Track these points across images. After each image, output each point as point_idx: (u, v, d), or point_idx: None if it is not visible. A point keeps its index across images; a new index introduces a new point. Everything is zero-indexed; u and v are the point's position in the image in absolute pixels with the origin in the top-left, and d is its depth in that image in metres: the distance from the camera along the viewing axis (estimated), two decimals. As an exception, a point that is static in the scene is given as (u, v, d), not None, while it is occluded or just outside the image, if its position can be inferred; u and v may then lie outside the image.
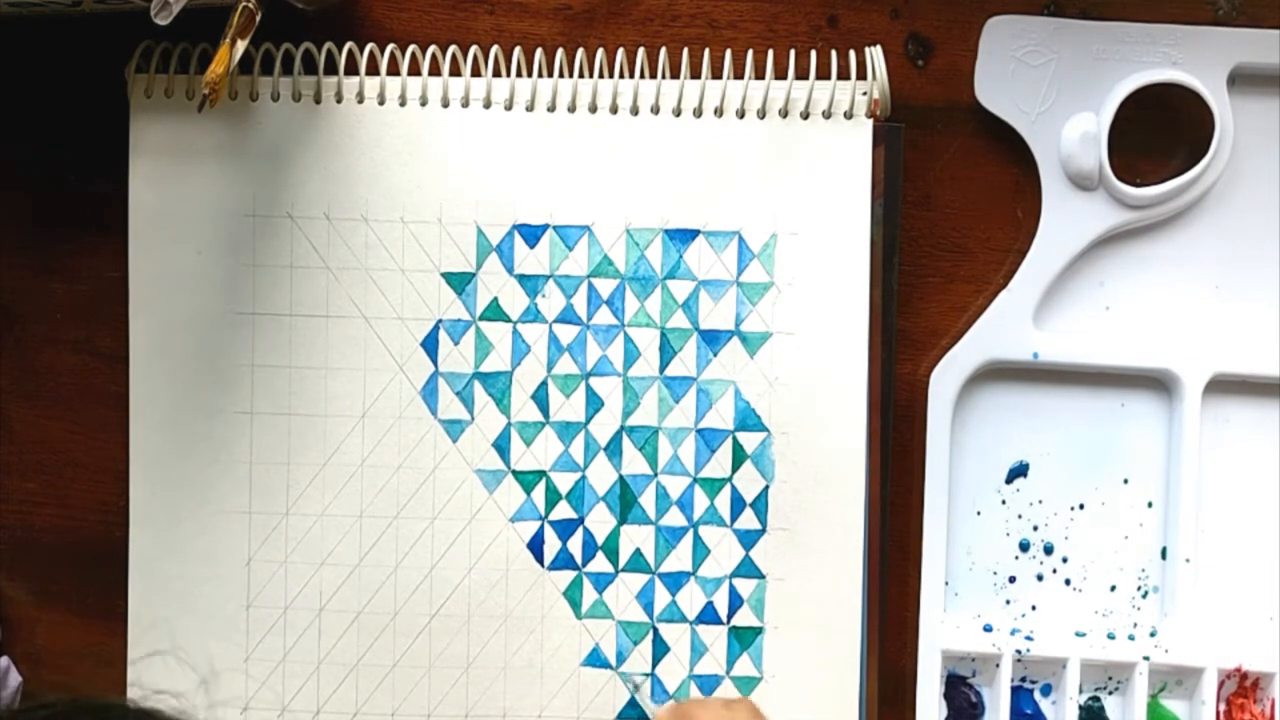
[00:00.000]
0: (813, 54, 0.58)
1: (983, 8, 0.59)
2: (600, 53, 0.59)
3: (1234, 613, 0.60)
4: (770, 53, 0.59)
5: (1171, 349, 0.59)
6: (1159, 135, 0.59)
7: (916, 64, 0.60)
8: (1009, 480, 0.61)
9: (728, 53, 0.59)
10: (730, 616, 0.59)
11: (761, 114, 0.58)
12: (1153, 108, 0.59)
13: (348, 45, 0.59)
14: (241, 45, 0.53)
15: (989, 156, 0.60)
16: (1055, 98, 0.59)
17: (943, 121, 0.60)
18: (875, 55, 0.58)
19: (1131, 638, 0.60)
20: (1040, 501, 0.61)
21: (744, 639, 0.59)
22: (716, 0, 0.60)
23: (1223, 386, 0.60)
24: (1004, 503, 0.61)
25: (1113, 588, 0.60)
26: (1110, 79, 0.59)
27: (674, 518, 0.59)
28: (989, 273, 0.60)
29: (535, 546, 0.59)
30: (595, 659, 0.59)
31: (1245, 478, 0.60)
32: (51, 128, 0.61)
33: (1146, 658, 0.59)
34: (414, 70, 0.59)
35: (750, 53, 0.59)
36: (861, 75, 0.59)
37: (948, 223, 0.60)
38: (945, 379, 0.59)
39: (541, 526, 0.59)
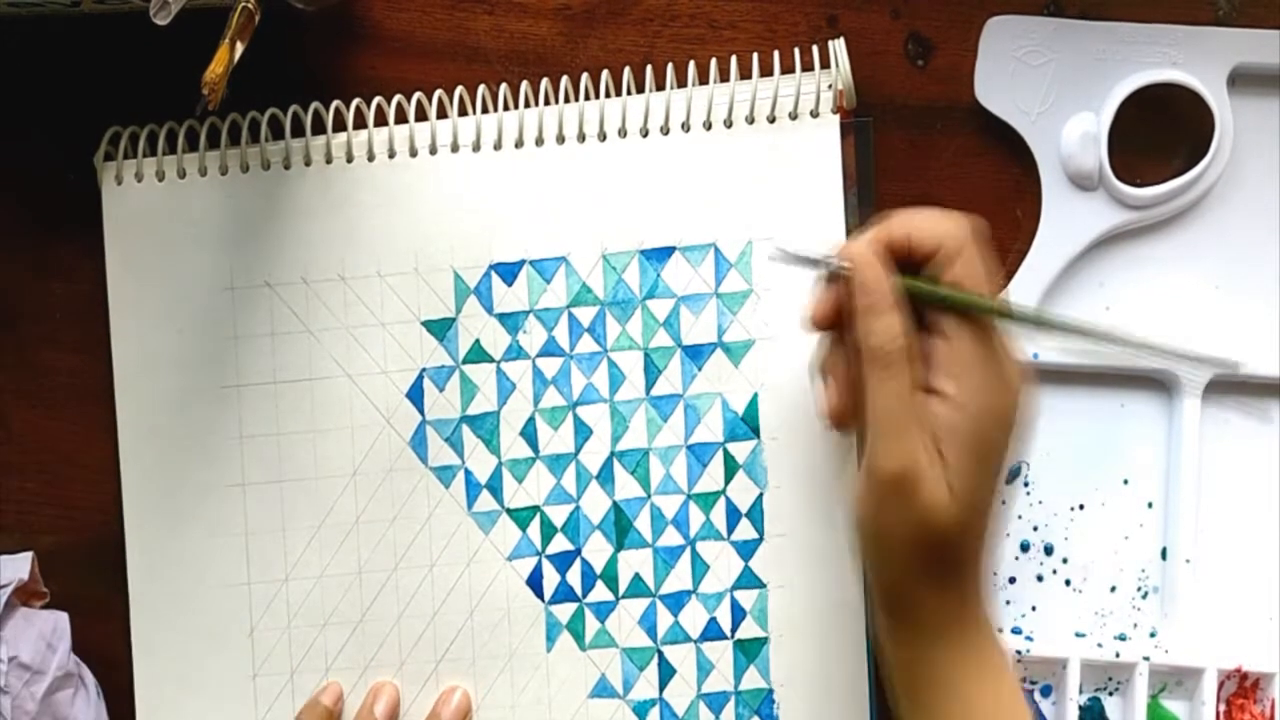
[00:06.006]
0: (775, 54, 0.58)
1: (983, 8, 0.59)
2: (565, 79, 0.59)
3: (1234, 613, 0.60)
4: (734, 58, 0.59)
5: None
6: (1159, 135, 0.59)
7: (916, 64, 0.60)
8: (1009, 481, 0.61)
9: (691, 64, 0.59)
10: (734, 630, 0.59)
11: (728, 124, 0.58)
12: (1153, 108, 0.59)
13: (313, 105, 0.59)
14: (241, 46, 0.53)
15: (989, 156, 0.60)
16: (1055, 98, 0.59)
17: (943, 121, 0.60)
18: (838, 47, 0.58)
19: (1131, 638, 0.60)
20: (1040, 502, 0.61)
21: (750, 651, 0.59)
22: (716, 0, 0.60)
23: (1223, 386, 0.59)
24: (1004, 503, 0.61)
25: (1113, 588, 0.60)
26: (1110, 79, 0.59)
27: (670, 537, 0.59)
28: (989, 273, 0.60)
29: (534, 582, 0.59)
30: (603, 689, 0.59)
31: (1245, 478, 0.60)
32: (51, 127, 0.61)
33: (1146, 658, 0.59)
34: (380, 120, 0.59)
35: (714, 61, 0.59)
36: (825, 67, 0.58)
37: (948, 223, 0.60)
38: (945, 379, 0.59)
39: (539, 562, 0.59)
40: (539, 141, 0.59)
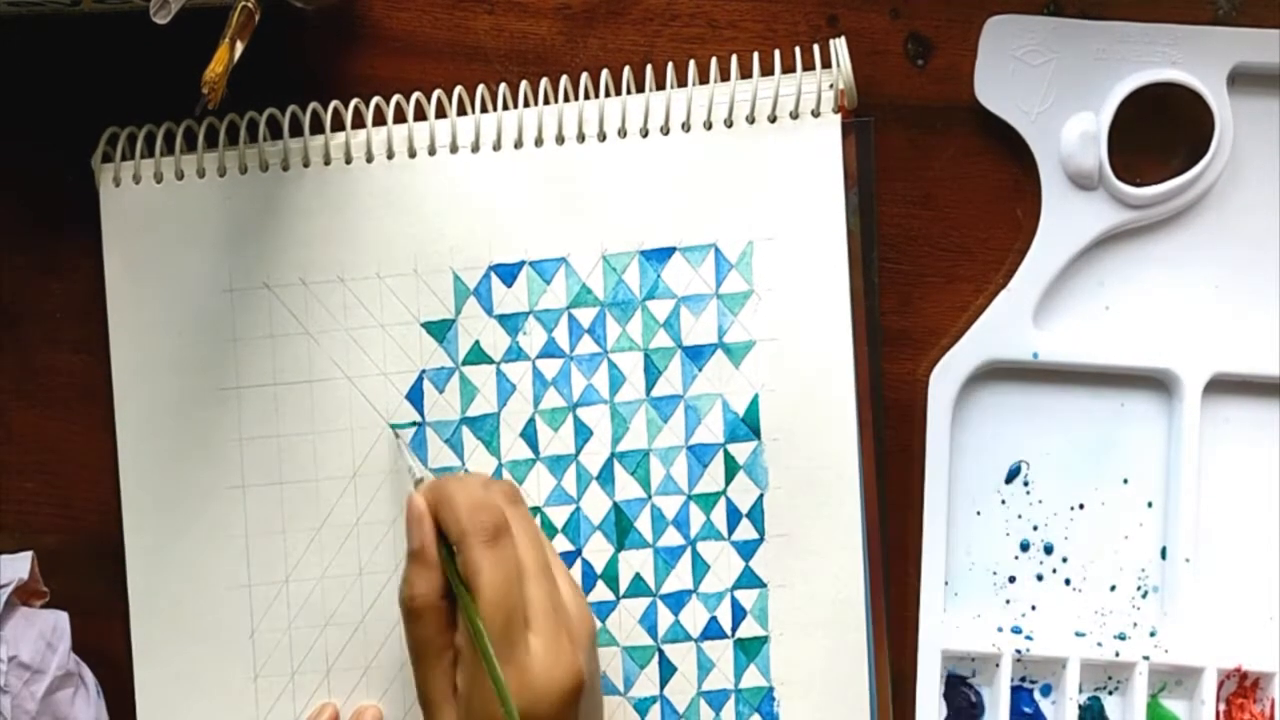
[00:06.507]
0: (776, 53, 0.58)
1: (983, 8, 0.59)
2: (565, 79, 0.59)
3: (1234, 613, 0.60)
4: (734, 58, 0.59)
5: (1171, 349, 0.59)
6: (1159, 135, 0.59)
7: (916, 64, 0.60)
8: (1009, 480, 0.61)
9: (691, 64, 0.59)
10: (735, 629, 0.59)
11: (729, 123, 0.58)
12: (1153, 107, 0.59)
13: (311, 106, 0.59)
14: (240, 46, 0.53)
15: (989, 156, 0.60)
16: (1055, 97, 0.59)
17: (943, 121, 0.60)
18: (839, 47, 0.58)
19: (1131, 638, 0.60)
20: (1040, 501, 0.61)
21: (750, 650, 0.59)
22: (716, 0, 0.60)
23: (1223, 386, 0.59)
24: (1004, 503, 0.61)
25: (1112, 588, 0.60)
26: (1110, 79, 0.59)
27: (671, 537, 0.59)
28: (989, 273, 0.60)
29: None
30: (604, 687, 0.59)
31: (1245, 478, 0.60)
32: (51, 127, 0.61)
33: (1146, 658, 0.59)
34: (379, 121, 0.59)
35: (714, 60, 0.59)
36: (826, 66, 0.58)
37: (948, 223, 0.60)
38: (945, 379, 0.59)
39: None
40: (539, 142, 0.59)
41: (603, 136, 0.59)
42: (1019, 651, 0.60)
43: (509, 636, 0.51)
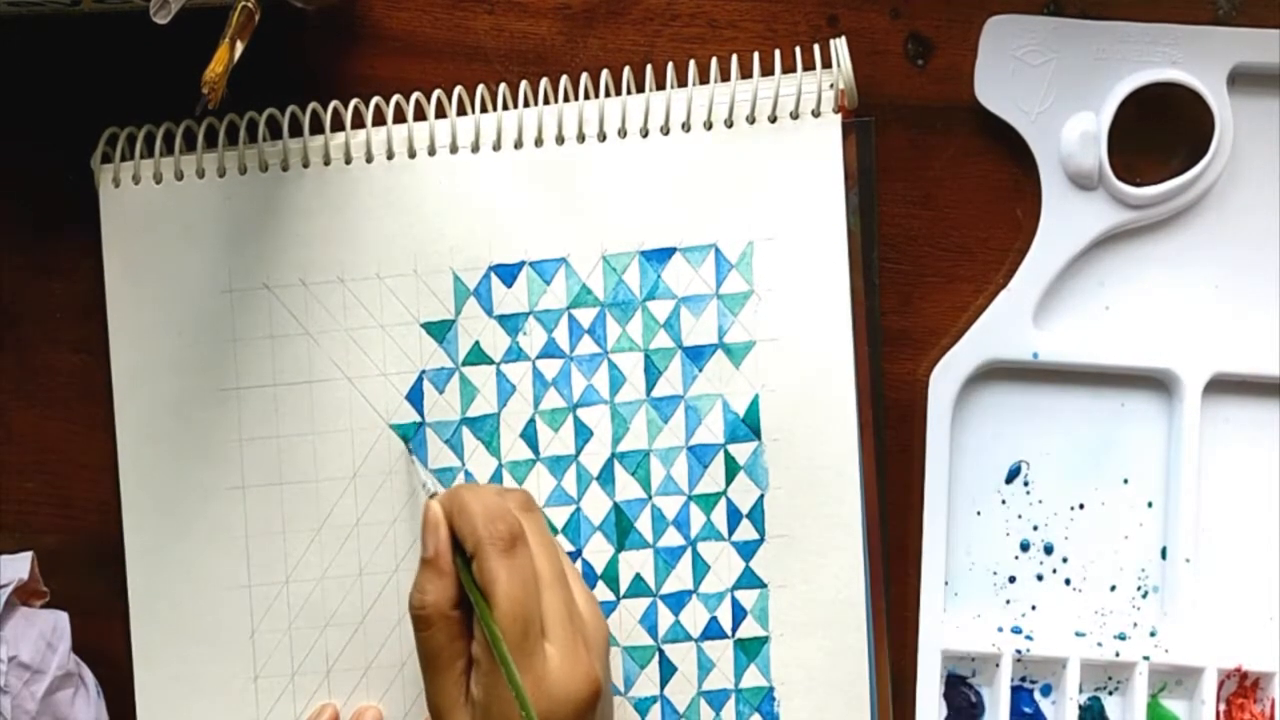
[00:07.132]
0: (776, 53, 0.58)
1: (983, 7, 0.59)
2: (565, 79, 0.59)
3: (1234, 613, 0.60)
4: (735, 58, 0.59)
5: (1171, 349, 0.59)
6: (1159, 135, 0.59)
7: (916, 64, 0.60)
8: (1009, 480, 0.61)
9: (691, 64, 0.59)
10: (735, 629, 0.59)
11: (729, 123, 0.58)
12: (1153, 108, 0.59)
13: (311, 106, 0.59)
14: (241, 45, 0.53)
15: (989, 156, 0.60)
16: (1055, 97, 0.59)
17: (942, 121, 0.60)
18: (839, 46, 0.58)
19: (1131, 638, 0.60)
20: (1040, 501, 0.61)
21: (750, 650, 0.59)
22: (716, 0, 0.60)
23: (1223, 386, 0.59)
24: (1004, 503, 0.61)
25: (1113, 588, 0.60)
26: (1110, 79, 0.59)
27: (671, 538, 0.59)
28: (989, 273, 0.60)
29: None
30: None
31: (1245, 478, 0.60)
32: (51, 127, 0.61)
33: (1146, 658, 0.59)
34: (379, 121, 0.59)
35: (715, 60, 0.59)
36: (826, 66, 0.58)
37: (948, 223, 0.60)
38: (945, 379, 0.59)
39: None
40: (539, 142, 0.59)
41: (603, 136, 0.59)
42: (1019, 651, 0.60)
43: (526, 645, 0.51)
